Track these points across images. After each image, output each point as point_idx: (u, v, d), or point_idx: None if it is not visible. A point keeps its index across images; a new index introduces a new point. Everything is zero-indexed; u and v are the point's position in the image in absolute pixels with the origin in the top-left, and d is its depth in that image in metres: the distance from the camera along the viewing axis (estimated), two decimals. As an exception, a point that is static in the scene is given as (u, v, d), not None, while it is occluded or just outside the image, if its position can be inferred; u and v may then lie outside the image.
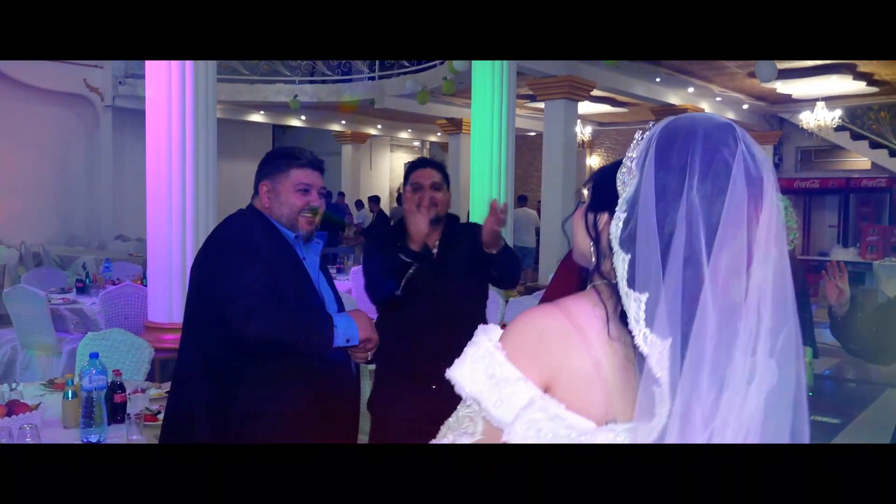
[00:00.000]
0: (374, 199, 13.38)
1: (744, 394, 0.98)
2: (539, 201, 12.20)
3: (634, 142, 1.05)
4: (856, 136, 13.03)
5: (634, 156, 1.04)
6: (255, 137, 15.15)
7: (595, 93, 10.07)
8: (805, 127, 12.12)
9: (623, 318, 1.01)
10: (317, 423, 2.07)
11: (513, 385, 1.01)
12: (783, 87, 11.16)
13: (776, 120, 14.27)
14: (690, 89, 11.19)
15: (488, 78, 7.69)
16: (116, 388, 2.71)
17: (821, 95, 11.53)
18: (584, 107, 11.73)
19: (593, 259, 1.12)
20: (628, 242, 1.00)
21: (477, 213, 7.42)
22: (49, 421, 2.66)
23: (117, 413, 2.70)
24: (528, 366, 1.02)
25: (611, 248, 1.04)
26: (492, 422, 1.02)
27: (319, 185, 2.21)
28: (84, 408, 2.52)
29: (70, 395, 2.65)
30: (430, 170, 2.75)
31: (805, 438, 1.04)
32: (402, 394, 2.58)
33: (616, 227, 1.02)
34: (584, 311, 1.05)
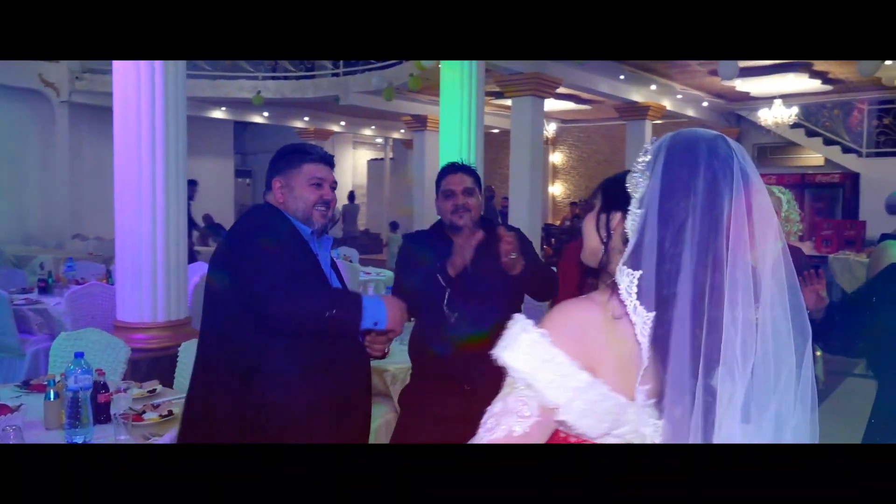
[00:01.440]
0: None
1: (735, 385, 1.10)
2: (505, 197, 12.26)
3: (644, 151, 1.22)
4: (810, 133, 13.39)
5: (647, 160, 1.19)
6: (217, 134, 14.96)
7: (560, 90, 10.15)
8: (763, 124, 12.41)
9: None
10: (331, 415, 2.08)
11: (566, 368, 1.11)
12: (742, 84, 11.41)
13: (734, 117, 14.57)
14: (653, 87, 11.36)
15: (457, 75, 7.70)
16: (100, 387, 2.66)
17: (778, 93, 11.82)
18: (549, 104, 11.82)
19: (602, 258, 1.26)
20: (639, 232, 1.15)
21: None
22: (30, 423, 2.59)
23: (101, 413, 2.64)
24: (575, 352, 1.13)
25: (623, 245, 1.19)
26: (546, 403, 1.12)
27: (331, 178, 2.24)
28: (69, 408, 2.46)
29: (52, 396, 2.59)
30: (462, 175, 2.71)
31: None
32: (435, 393, 2.59)
33: (632, 221, 1.17)
34: (609, 300, 1.18)
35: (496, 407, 1.14)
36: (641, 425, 1.16)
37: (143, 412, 2.72)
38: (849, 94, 12.58)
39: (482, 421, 1.16)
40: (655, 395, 1.14)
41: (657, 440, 1.15)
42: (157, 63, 4.84)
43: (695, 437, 1.10)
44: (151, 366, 4.73)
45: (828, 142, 13.30)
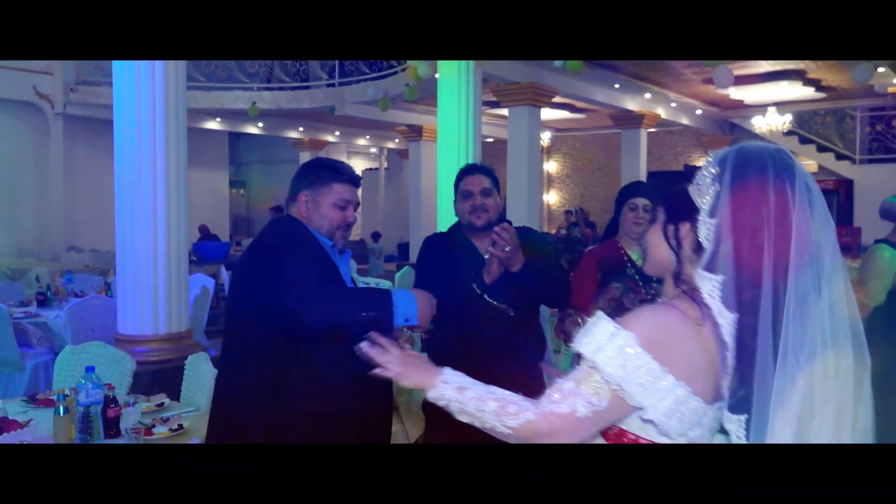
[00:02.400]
0: (277, 209, 12.61)
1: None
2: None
3: (707, 163, 1.31)
4: (804, 140, 13.46)
5: (714, 171, 1.27)
6: (212, 145, 14.94)
7: (555, 99, 10.19)
8: (757, 131, 12.48)
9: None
10: (358, 420, 2.09)
11: (655, 372, 1.21)
12: (736, 93, 11.48)
13: (728, 125, 14.65)
14: (647, 95, 11.41)
15: (454, 84, 7.72)
16: (110, 402, 2.64)
17: (771, 101, 11.89)
18: (543, 113, 11.87)
19: (674, 266, 1.35)
20: (714, 241, 1.24)
21: (445, 222, 7.44)
22: (39, 438, 2.56)
23: (111, 428, 2.62)
24: (662, 357, 1.22)
25: (695, 253, 1.29)
26: (628, 401, 1.22)
27: (356, 200, 2.24)
28: (80, 423, 2.44)
29: (62, 411, 2.56)
30: (480, 176, 2.70)
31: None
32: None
33: (706, 230, 1.26)
34: (691, 308, 1.27)
35: (567, 384, 1.25)
36: (719, 424, 1.26)
37: (153, 426, 2.70)
38: (842, 101, 12.66)
39: (548, 391, 1.26)
40: (729, 395, 1.23)
41: (741, 438, 1.21)
42: (158, 74, 4.82)
43: (780, 434, 1.17)
44: (153, 379, 4.70)
45: (821, 149, 13.37)
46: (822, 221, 1.23)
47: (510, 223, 2.63)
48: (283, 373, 2.03)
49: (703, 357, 1.24)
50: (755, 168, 1.24)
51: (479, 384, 1.35)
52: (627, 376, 1.21)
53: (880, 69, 8.64)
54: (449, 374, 1.39)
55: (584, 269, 3.27)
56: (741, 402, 1.21)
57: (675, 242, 1.33)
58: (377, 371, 1.47)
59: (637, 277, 3.19)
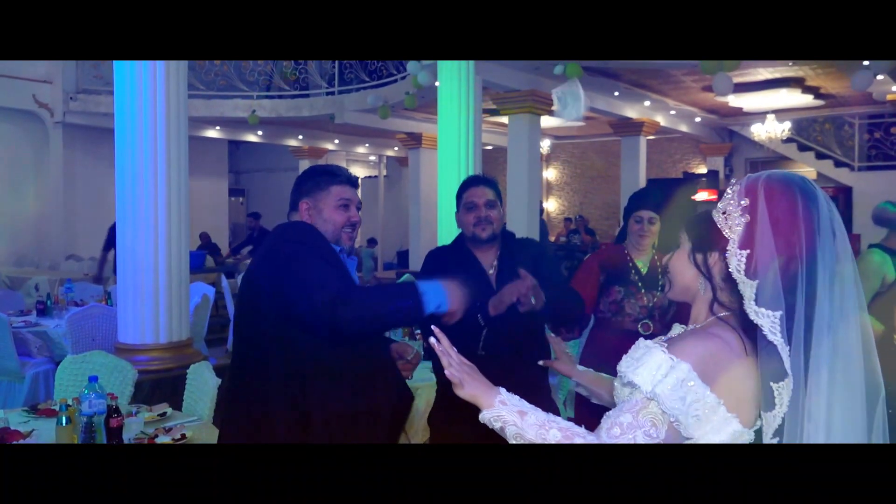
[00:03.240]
0: (254, 216, 12.40)
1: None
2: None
3: (733, 193, 1.35)
4: (802, 148, 13.48)
5: (742, 203, 1.31)
6: (211, 153, 14.94)
7: (554, 107, 10.19)
8: (756, 139, 12.50)
9: (752, 339, 1.31)
10: (383, 421, 2.11)
11: (710, 406, 1.26)
12: (735, 100, 11.49)
13: (727, 132, 14.67)
14: (647, 103, 11.43)
15: (454, 92, 7.72)
16: (112, 412, 2.62)
17: (770, 108, 11.91)
18: (543, 120, 11.87)
19: (701, 293, 1.40)
20: (752, 273, 1.29)
21: (445, 230, 7.43)
22: (41, 448, 2.55)
23: (113, 438, 2.61)
24: (718, 390, 1.27)
25: (724, 282, 1.36)
26: (683, 432, 1.27)
27: (357, 200, 2.25)
28: (83, 433, 2.43)
29: (64, 421, 2.55)
30: (483, 188, 2.69)
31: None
32: (462, 413, 2.55)
33: (737, 261, 1.30)
34: (732, 338, 1.32)
35: (623, 418, 1.27)
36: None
37: (156, 436, 2.69)
38: (840, 108, 12.69)
39: (606, 424, 1.29)
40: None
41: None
42: (160, 81, 4.82)
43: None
44: (154, 388, 4.69)
45: (819, 156, 13.39)
46: (843, 245, 1.29)
47: (537, 243, 2.61)
48: (307, 373, 2.01)
49: (750, 387, 1.30)
50: (786, 200, 1.28)
51: (537, 409, 1.36)
52: (686, 409, 1.25)
53: (879, 76, 8.66)
54: (506, 394, 1.39)
55: (586, 270, 3.30)
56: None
57: (705, 271, 1.38)
58: (447, 373, 1.45)
59: (640, 284, 3.21)
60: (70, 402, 2.68)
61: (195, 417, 3.08)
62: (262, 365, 2.07)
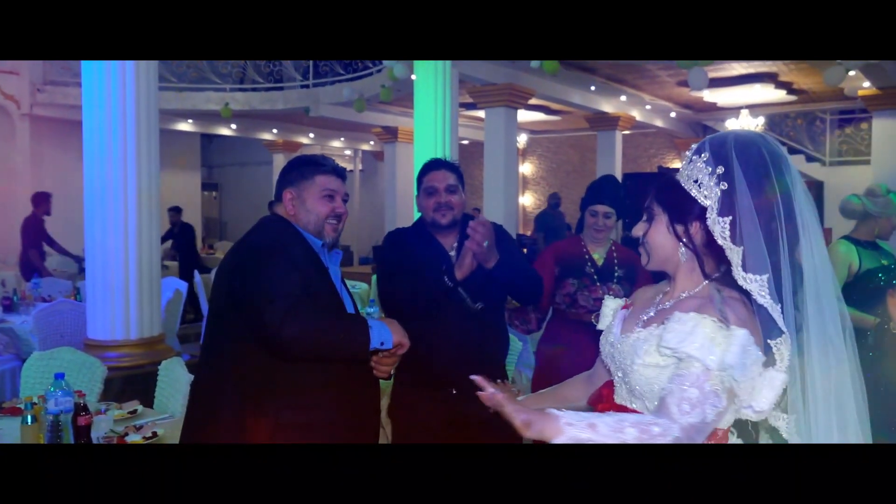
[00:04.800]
0: (175, 210, 11.78)
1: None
2: (476, 209, 12.23)
3: (701, 159, 1.35)
4: (775, 143, 13.62)
5: (718, 172, 1.32)
6: (184, 146, 14.71)
7: (530, 101, 10.17)
8: (730, 134, 12.56)
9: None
10: (344, 433, 2.01)
11: (759, 366, 1.28)
12: (710, 95, 11.56)
13: (700, 127, 14.75)
14: (623, 97, 11.45)
15: (431, 85, 7.67)
16: (80, 410, 2.54)
17: (744, 104, 12.00)
18: (519, 115, 11.87)
19: (686, 261, 1.40)
20: (737, 238, 1.31)
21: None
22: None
23: (81, 436, 2.52)
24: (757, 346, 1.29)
25: (706, 248, 1.37)
26: (743, 396, 1.28)
27: (343, 191, 2.19)
28: (49, 433, 2.35)
29: (30, 420, 2.46)
30: (444, 171, 2.64)
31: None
32: (422, 399, 2.51)
33: (721, 228, 1.31)
34: (743, 298, 1.35)
35: (690, 392, 1.26)
36: None
37: (126, 434, 2.61)
38: (812, 104, 12.82)
39: (671, 401, 1.27)
40: None
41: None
42: (129, 74, 4.70)
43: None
44: (125, 385, 4.58)
45: (791, 151, 13.48)
46: (805, 196, 1.34)
47: (500, 226, 2.58)
48: (265, 385, 1.95)
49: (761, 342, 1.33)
50: (760, 163, 1.30)
51: (603, 415, 1.32)
52: (747, 373, 1.26)
53: (851, 73, 8.74)
54: (566, 415, 1.33)
55: (541, 263, 3.29)
56: None
57: (687, 240, 1.38)
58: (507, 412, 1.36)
59: (595, 276, 3.19)
60: (36, 399, 2.59)
61: (167, 415, 3.00)
62: (215, 371, 2.04)
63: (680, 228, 1.39)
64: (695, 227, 1.38)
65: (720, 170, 1.32)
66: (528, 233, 15.58)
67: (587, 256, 3.27)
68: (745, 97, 11.63)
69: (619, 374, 1.47)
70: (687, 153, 1.43)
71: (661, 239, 1.42)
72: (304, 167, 2.17)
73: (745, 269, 1.30)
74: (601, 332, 1.62)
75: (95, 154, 4.71)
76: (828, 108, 13.06)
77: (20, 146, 11.92)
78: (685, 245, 1.39)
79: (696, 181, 1.35)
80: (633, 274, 3.23)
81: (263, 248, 2.00)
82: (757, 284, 1.30)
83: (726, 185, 1.31)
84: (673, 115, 13.37)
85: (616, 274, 3.23)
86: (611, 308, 1.63)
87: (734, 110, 12.40)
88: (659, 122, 13.51)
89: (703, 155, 1.35)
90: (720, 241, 1.32)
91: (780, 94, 11.63)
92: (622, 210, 3.27)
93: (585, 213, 3.30)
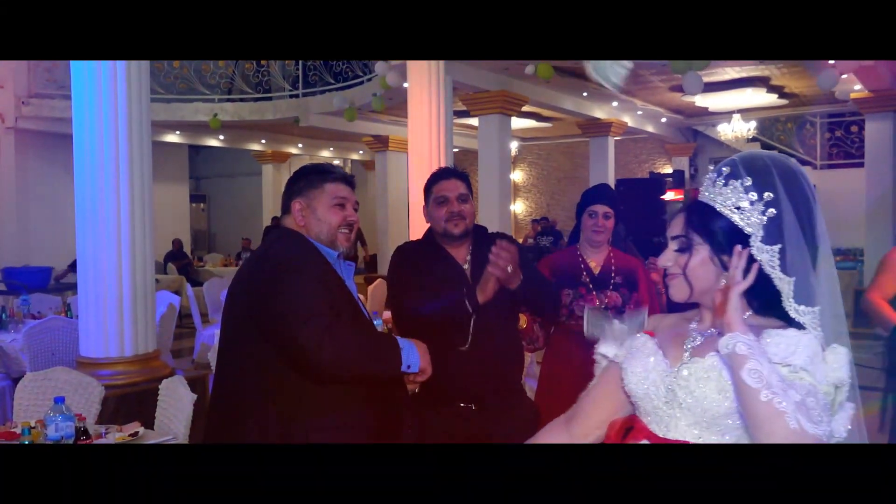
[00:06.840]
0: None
1: None
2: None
3: (733, 184, 1.29)
4: (766, 147, 13.61)
5: (766, 197, 1.26)
6: (172, 158, 14.55)
7: (522, 108, 10.12)
8: (723, 139, 12.60)
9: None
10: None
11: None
12: (701, 100, 11.57)
13: (691, 132, 14.78)
14: (615, 103, 11.44)
15: (426, 93, 7.58)
16: (81, 434, 2.42)
17: (735, 108, 12.01)
18: (513, 122, 11.83)
19: (725, 294, 1.26)
20: (786, 269, 1.26)
21: (418, 233, 7.29)
22: (2, 477, 2.33)
23: (82, 463, 2.40)
24: None
25: (743, 278, 1.26)
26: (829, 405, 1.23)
27: (353, 199, 2.11)
28: (49, 460, 2.21)
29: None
30: (455, 180, 2.55)
31: None
32: (440, 415, 2.42)
33: (770, 257, 1.26)
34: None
35: (794, 396, 1.14)
36: None
37: (129, 459, 2.48)
38: (803, 108, 12.86)
39: (788, 414, 1.12)
40: None
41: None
42: (120, 84, 4.58)
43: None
44: (119, 404, 4.43)
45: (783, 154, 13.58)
46: (821, 215, 1.32)
47: (518, 242, 2.49)
48: (298, 402, 1.87)
49: None
50: (799, 186, 1.28)
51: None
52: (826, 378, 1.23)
53: (844, 76, 8.74)
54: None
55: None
56: None
57: (737, 270, 1.28)
58: None
59: (591, 286, 3.10)
60: (33, 424, 2.46)
61: (170, 437, 2.88)
62: (237, 389, 1.96)
63: (726, 258, 1.30)
64: (739, 257, 1.28)
65: (768, 196, 1.26)
66: (520, 240, 15.53)
67: (583, 266, 3.19)
68: (736, 101, 11.65)
69: (665, 407, 1.33)
70: (711, 176, 1.34)
71: (703, 271, 1.33)
72: (312, 176, 2.09)
73: (796, 300, 1.25)
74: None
75: (86, 166, 4.57)
76: (818, 111, 13.11)
77: (5, 159, 11.74)
78: (734, 275, 1.25)
79: (738, 208, 1.27)
80: (634, 280, 3.15)
81: (285, 263, 1.91)
82: (809, 317, 1.25)
83: (774, 211, 1.26)
84: (664, 120, 13.38)
85: (613, 281, 3.14)
86: (636, 344, 1.43)
87: (725, 115, 12.41)
88: (650, 128, 13.52)
89: (742, 180, 1.27)
90: (768, 271, 1.25)
91: (772, 98, 11.66)
92: (618, 215, 3.20)
93: (583, 216, 3.21)
